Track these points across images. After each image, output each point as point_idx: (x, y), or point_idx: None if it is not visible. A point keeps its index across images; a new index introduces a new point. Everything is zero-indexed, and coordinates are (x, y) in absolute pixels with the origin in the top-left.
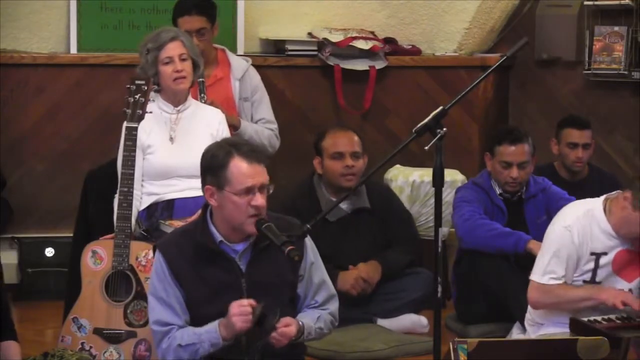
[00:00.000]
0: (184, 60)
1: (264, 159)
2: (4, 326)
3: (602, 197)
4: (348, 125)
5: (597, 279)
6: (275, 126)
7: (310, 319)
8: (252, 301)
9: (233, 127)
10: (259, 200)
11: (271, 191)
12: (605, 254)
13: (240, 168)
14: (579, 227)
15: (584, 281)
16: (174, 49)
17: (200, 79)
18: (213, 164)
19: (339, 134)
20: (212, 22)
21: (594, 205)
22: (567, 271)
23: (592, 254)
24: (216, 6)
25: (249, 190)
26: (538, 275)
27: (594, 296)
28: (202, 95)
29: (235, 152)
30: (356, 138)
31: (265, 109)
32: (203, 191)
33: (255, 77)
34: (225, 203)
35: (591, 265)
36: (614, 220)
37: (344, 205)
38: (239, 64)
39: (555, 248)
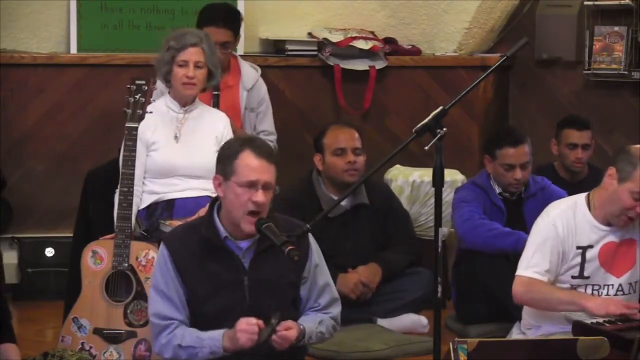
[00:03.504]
0: (199, 67)
1: (273, 159)
2: (3, 329)
3: (585, 193)
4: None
5: (585, 274)
6: (274, 137)
7: (311, 322)
8: (260, 322)
9: None
10: (260, 197)
11: (277, 192)
12: (591, 247)
13: (248, 160)
14: (563, 221)
15: (572, 276)
16: (192, 55)
17: (216, 92)
18: (225, 154)
19: (340, 130)
20: (237, 35)
21: (577, 199)
22: (552, 266)
23: (578, 247)
24: (242, 18)
25: (252, 185)
26: (522, 269)
27: (578, 302)
28: (216, 108)
29: (248, 146)
30: (357, 134)
31: (268, 121)
32: (213, 180)
33: (262, 89)
34: (228, 193)
35: (578, 259)
36: (598, 210)
37: (343, 202)
38: (250, 74)
39: (539, 242)
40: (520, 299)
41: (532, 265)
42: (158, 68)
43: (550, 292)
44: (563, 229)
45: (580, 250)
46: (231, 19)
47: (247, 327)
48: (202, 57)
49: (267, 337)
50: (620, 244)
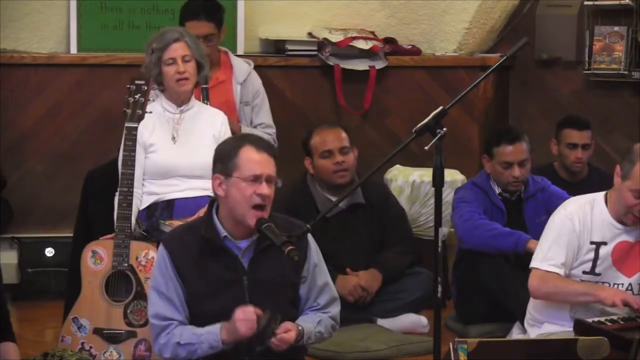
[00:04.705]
0: (187, 61)
1: (273, 152)
2: (2, 328)
3: (605, 191)
4: (346, 125)
5: (597, 271)
6: (273, 130)
7: (310, 323)
8: (258, 310)
9: (233, 132)
10: (265, 189)
11: (279, 185)
12: (605, 243)
13: (249, 155)
14: (579, 215)
15: (584, 272)
16: (177, 50)
17: (204, 86)
18: (224, 152)
19: (325, 131)
20: (220, 27)
21: (596, 196)
22: (567, 259)
23: (592, 243)
24: (224, 10)
25: (257, 178)
26: (538, 262)
27: (593, 292)
28: (206, 102)
29: (246, 141)
30: (343, 134)
31: (265, 114)
32: (212, 182)
33: (256, 82)
34: (231, 190)
35: (591, 255)
36: (613, 208)
37: None
38: (242, 68)
39: (555, 235)
40: (536, 293)
41: (547, 258)
42: (148, 73)
43: (566, 285)
44: (579, 224)
45: (593, 246)
46: (212, 11)
47: (245, 315)
48: (188, 51)
49: (266, 325)
50: (635, 244)
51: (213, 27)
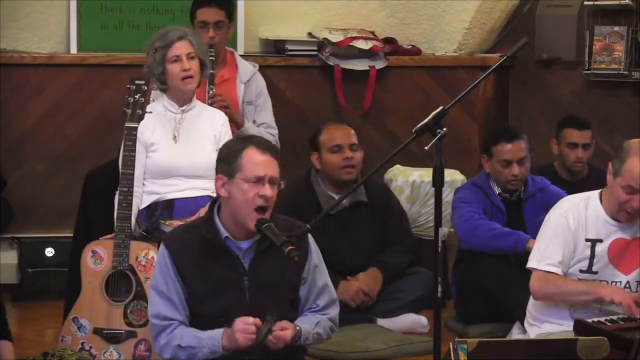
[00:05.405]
0: (191, 58)
1: (276, 154)
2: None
3: (599, 190)
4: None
5: (594, 269)
6: (275, 132)
7: (308, 324)
8: (257, 320)
9: (236, 124)
10: (268, 190)
11: (282, 186)
12: (600, 241)
13: (253, 156)
14: (574, 213)
15: (581, 270)
16: (181, 48)
17: (211, 71)
18: (227, 153)
19: (335, 127)
20: (230, 19)
21: (590, 194)
22: (564, 257)
23: (587, 240)
24: (235, 5)
25: (259, 180)
26: (535, 262)
27: (594, 291)
28: (211, 86)
29: (250, 143)
30: (352, 131)
31: (267, 114)
32: (215, 182)
33: (260, 82)
34: (234, 192)
35: (587, 252)
36: (607, 205)
37: None
38: (246, 68)
39: (551, 234)
40: (537, 294)
41: (545, 257)
42: (150, 72)
43: (567, 285)
44: (574, 221)
45: (589, 243)
46: (224, 0)
47: (245, 326)
48: (192, 48)
49: (265, 336)
50: (631, 241)
51: (224, 15)
